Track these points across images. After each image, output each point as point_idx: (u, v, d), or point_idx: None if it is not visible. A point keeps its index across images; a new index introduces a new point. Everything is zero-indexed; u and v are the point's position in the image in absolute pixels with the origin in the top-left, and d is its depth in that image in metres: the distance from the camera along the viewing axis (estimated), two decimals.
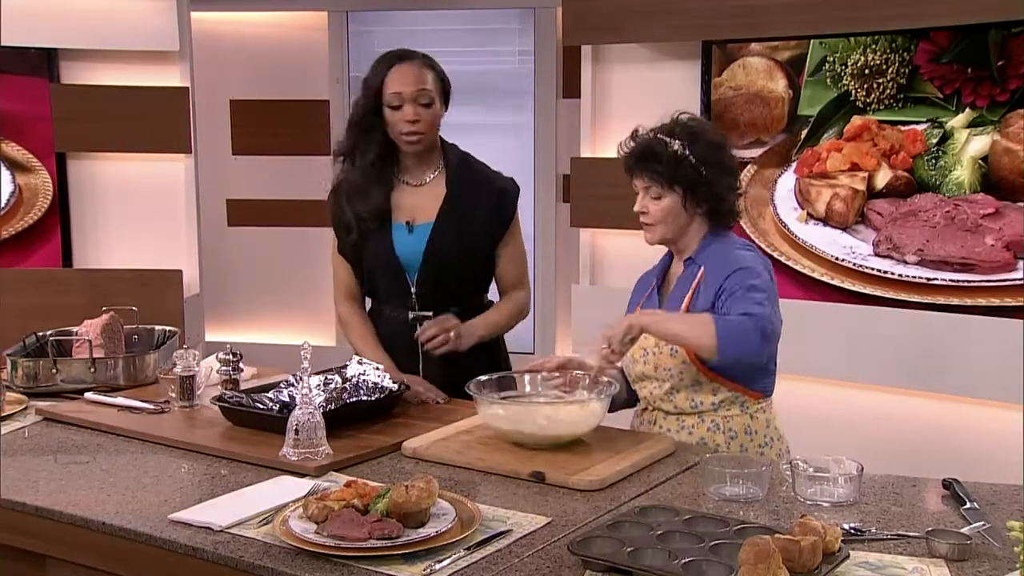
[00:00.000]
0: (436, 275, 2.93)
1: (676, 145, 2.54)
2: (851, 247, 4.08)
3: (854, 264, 4.06)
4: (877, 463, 2.37)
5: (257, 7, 5.70)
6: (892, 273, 3.98)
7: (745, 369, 2.55)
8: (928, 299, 3.90)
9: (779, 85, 4.19)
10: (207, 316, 5.26)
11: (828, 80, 4.07)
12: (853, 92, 4.02)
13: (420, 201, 2.97)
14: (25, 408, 2.75)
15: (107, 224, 4.94)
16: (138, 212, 4.91)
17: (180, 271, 4.78)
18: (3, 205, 4.86)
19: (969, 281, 3.82)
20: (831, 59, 4.05)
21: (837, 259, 4.10)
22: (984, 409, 3.83)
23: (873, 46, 3.95)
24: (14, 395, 2.80)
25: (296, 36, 5.75)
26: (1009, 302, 3.74)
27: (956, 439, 3.88)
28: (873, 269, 4.02)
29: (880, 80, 3.96)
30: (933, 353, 3.87)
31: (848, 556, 1.81)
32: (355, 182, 2.95)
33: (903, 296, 3.95)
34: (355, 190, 2.94)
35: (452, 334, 2.83)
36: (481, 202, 2.96)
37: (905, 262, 3.95)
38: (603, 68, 4.59)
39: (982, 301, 3.80)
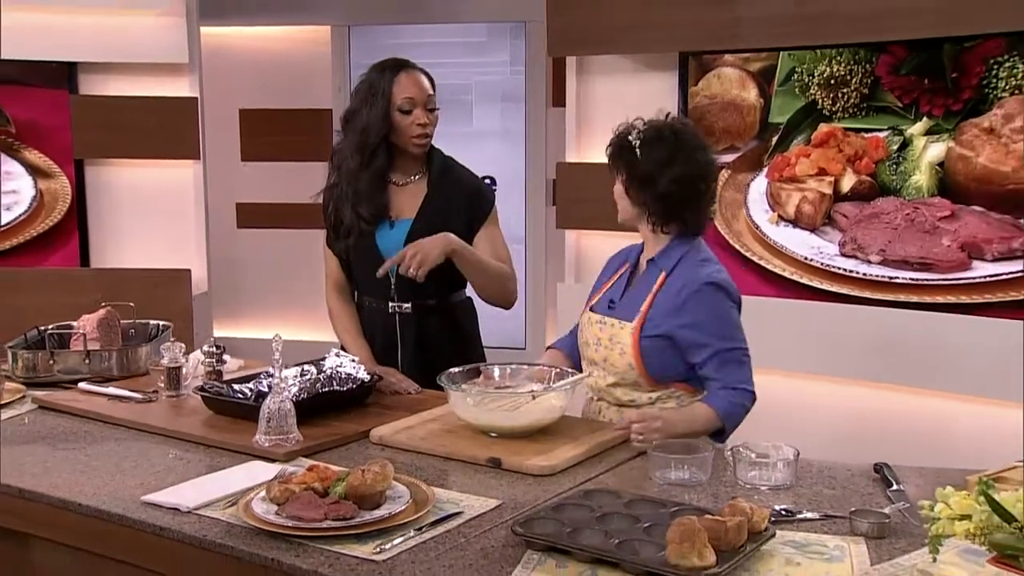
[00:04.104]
0: None
1: (633, 135, 2.50)
2: (819, 247, 4.08)
3: (822, 264, 4.07)
4: (842, 451, 2.35)
5: (264, 22, 5.74)
6: (857, 272, 3.98)
7: (690, 376, 2.54)
8: (890, 297, 3.90)
9: (751, 94, 4.19)
10: (218, 313, 5.29)
11: (797, 90, 4.07)
12: (820, 101, 4.02)
13: (402, 199, 2.98)
14: (23, 397, 2.76)
15: (122, 226, 4.97)
16: (151, 215, 4.95)
17: (188, 270, 4.81)
18: (26, 209, 4.91)
19: (928, 280, 3.82)
20: (799, 70, 4.05)
21: (806, 259, 4.10)
22: (942, 400, 3.83)
23: (838, 58, 3.95)
24: (13, 384, 2.81)
25: (301, 49, 5.79)
26: (964, 300, 3.74)
27: (917, 427, 3.87)
28: (839, 268, 4.02)
29: (845, 90, 3.96)
30: (896, 347, 3.87)
31: (774, 535, 1.81)
32: (363, 186, 2.92)
33: (867, 294, 3.96)
34: (360, 194, 2.92)
35: (411, 254, 2.74)
36: (457, 201, 2.97)
37: (869, 261, 3.95)
38: (587, 78, 4.60)
39: (940, 299, 3.79)
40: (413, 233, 2.90)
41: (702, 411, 2.46)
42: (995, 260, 3.68)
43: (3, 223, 4.90)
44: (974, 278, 3.72)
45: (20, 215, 4.91)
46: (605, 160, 2.60)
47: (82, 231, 4.94)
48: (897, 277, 3.88)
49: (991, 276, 3.69)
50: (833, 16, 3.87)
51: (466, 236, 2.90)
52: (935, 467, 2.23)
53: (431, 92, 2.92)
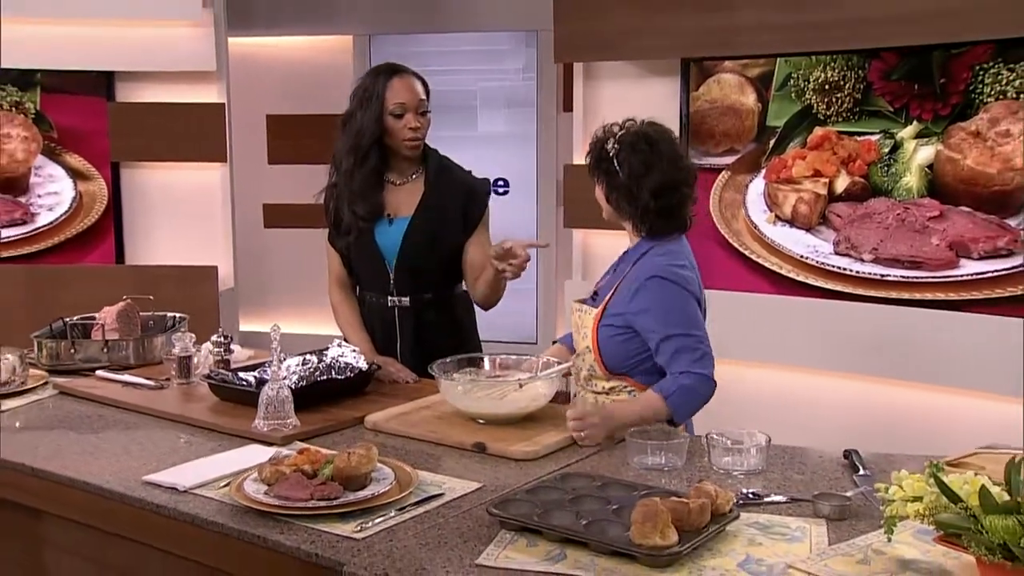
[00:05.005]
0: (412, 264, 2.94)
1: (610, 144, 2.48)
2: (814, 246, 4.06)
3: (817, 262, 4.05)
4: (833, 441, 2.30)
5: (290, 32, 5.77)
6: (850, 270, 3.97)
7: (642, 371, 2.49)
8: (882, 293, 3.89)
9: (749, 99, 4.17)
10: (245, 308, 5.33)
11: (793, 94, 4.05)
12: (815, 105, 4.00)
13: (401, 198, 2.99)
14: (45, 383, 2.81)
15: (154, 225, 5.03)
16: (181, 215, 4.99)
17: (215, 267, 4.85)
18: (67, 209, 4.98)
19: (917, 277, 3.80)
20: (795, 75, 4.03)
21: (802, 257, 4.08)
22: (931, 393, 3.81)
23: (832, 64, 3.93)
24: (37, 371, 2.86)
25: (325, 58, 5.81)
26: (952, 296, 3.72)
27: (907, 418, 3.86)
28: (834, 266, 4.01)
29: (838, 95, 3.94)
30: (887, 342, 3.85)
31: (738, 517, 1.81)
32: (357, 186, 2.94)
33: (860, 291, 3.95)
34: (357, 193, 2.94)
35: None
36: (454, 200, 2.97)
37: (862, 260, 3.93)
38: (594, 84, 4.60)
39: (928, 295, 3.77)
40: (411, 230, 2.91)
41: (647, 398, 2.38)
42: (981, 258, 3.66)
43: (46, 223, 4.96)
44: (961, 276, 3.70)
45: (61, 215, 4.98)
46: None
47: (118, 230, 5.00)
48: (888, 275, 3.86)
49: (978, 274, 3.67)
50: (827, 24, 3.85)
51: (461, 234, 2.90)
52: (910, 454, 2.21)
53: (423, 96, 2.92)
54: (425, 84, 2.95)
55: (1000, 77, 3.55)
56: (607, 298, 2.52)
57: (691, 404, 2.40)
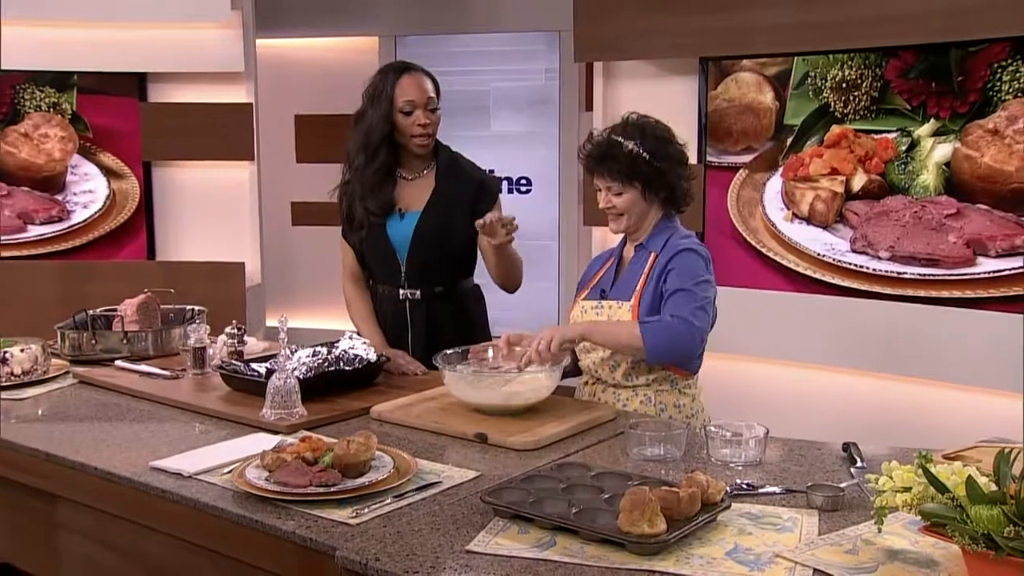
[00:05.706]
0: (422, 258, 2.95)
1: (630, 145, 2.49)
2: (831, 244, 4.02)
3: (834, 259, 4.02)
4: (846, 437, 2.28)
5: (317, 33, 5.79)
6: (867, 268, 3.93)
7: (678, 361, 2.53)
8: (899, 291, 3.85)
9: (767, 97, 4.14)
10: (273, 303, 5.36)
11: (810, 93, 4.02)
12: (832, 104, 3.97)
13: (412, 192, 3.00)
14: (66, 373, 2.85)
15: (185, 223, 5.08)
16: (211, 212, 5.04)
17: (243, 263, 4.89)
18: (101, 207, 5.05)
19: (934, 275, 3.76)
20: (813, 74, 4.00)
21: (819, 255, 4.05)
22: (947, 390, 3.77)
23: (849, 62, 3.90)
24: (59, 361, 2.90)
25: (352, 59, 5.81)
26: (969, 294, 3.67)
27: (921, 415, 3.81)
28: (850, 264, 3.97)
29: (856, 93, 3.90)
30: (904, 340, 3.81)
31: (729, 506, 1.80)
32: (367, 182, 2.96)
33: (877, 288, 3.91)
34: (367, 189, 2.96)
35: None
36: (463, 195, 2.98)
37: (879, 257, 3.89)
38: (614, 83, 4.59)
39: (945, 293, 3.73)
40: (421, 224, 2.93)
41: (624, 322, 2.47)
42: (998, 256, 3.61)
43: (81, 220, 5.04)
44: (978, 273, 3.65)
45: (95, 212, 5.05)
46: (581, 158, 2.63)
47: (149, 227, 5.07)
48: (905, 272, 3.82)
49: (994, 272, 3.62)
50: (844, 23, 3.82)
51: (470, 228, 2.90)
52: (918, 448, 2.19)
53: (432, 94, 2.93)
54: (435, 81, 2.96)
55: (1018, 75, 3.50)
56: (640, 288, 2.52)
57: (668, 344, 2.41)
